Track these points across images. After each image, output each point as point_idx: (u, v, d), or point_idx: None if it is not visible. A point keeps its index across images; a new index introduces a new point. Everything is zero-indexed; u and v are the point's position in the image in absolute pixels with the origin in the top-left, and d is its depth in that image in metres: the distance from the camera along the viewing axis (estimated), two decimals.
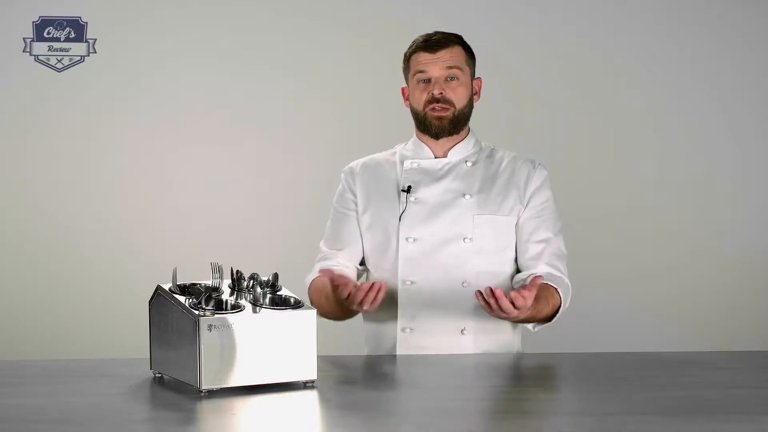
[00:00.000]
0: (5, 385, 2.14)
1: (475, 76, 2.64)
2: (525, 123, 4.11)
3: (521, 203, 2.58)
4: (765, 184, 4.20)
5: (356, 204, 2.65)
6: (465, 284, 2.52)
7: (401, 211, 2.57)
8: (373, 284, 2.33)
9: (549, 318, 2.53)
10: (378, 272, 2.61)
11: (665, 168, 4.18)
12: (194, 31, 4.12)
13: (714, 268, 4.18)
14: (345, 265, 2.62)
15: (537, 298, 2.38)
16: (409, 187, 2.58)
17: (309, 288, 2.64)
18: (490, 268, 2.55)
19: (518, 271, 2.60)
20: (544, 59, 4.15)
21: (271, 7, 4.14)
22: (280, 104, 4.14)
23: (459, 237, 2.54)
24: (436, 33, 2.60)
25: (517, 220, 2.58)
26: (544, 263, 2.56)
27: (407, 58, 2.62)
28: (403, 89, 2.67)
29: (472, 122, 2.66)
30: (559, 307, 2.52)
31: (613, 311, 4.10)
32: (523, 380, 2.31)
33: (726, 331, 4.10)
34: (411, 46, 2.62)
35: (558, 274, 2.56)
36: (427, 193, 2.58)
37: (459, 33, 2.64)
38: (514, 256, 2.59)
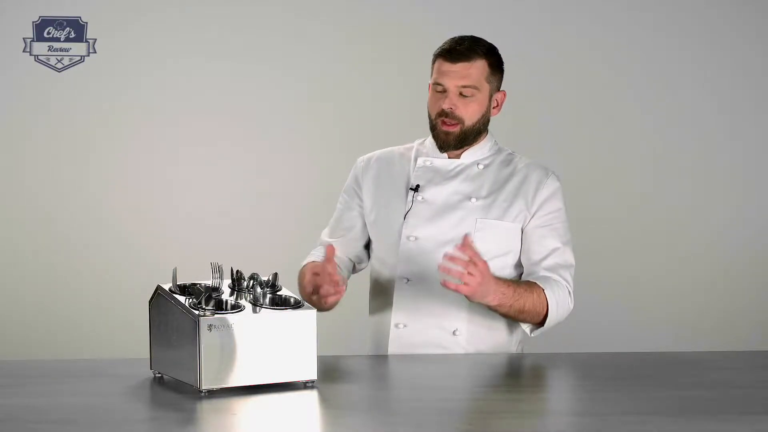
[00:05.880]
0: (5, 385, 2.14)
1: (500, 89, 2.59)
2: (524, 123, 4.10)
3: (528, 211, 2.55)
4: (765, 184, 4.20)
5: (360, 198, 2.64)
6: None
7: (407, 209, 2.57)
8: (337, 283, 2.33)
9: (541, 319, 2.50)
10: (380, 266, 2.62)
11: (665, 168, 4.18)
12: (194, 31, 4.12)
13: (714, 268, 4.17)
14: (337, 256, 2.60)
15: (515, 285, 2.42)
16: (418, 185, 2.57)
17: (301, 270, 2.59)
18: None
19: (520, 277, 2.58)
20: (543, 59, 4.14)
21: (271, 8, 4.14)
22: (281, 104, 4.14)
23: (459, 239, 2.51)
24: (464, 41, 2.53)
25: (523, 228, 2.55)
26: (544, 269, 2.53)
27: (434, 58, 2.56)
28: (430, 85, 2.61)
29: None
30: (548, 307, 2.48)
31: (613, 311, 4.10)
32: (523, 380, 2.31)
33: (726, 331, 4.10)
34: (439, 48, 2.56)
35: (555, 277, 2.52)
36: (434, 193, 2.57)
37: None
38: (514, 262, 2.57)
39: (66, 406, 1.95)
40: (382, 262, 2.62)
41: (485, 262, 2.32)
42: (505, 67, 2.63)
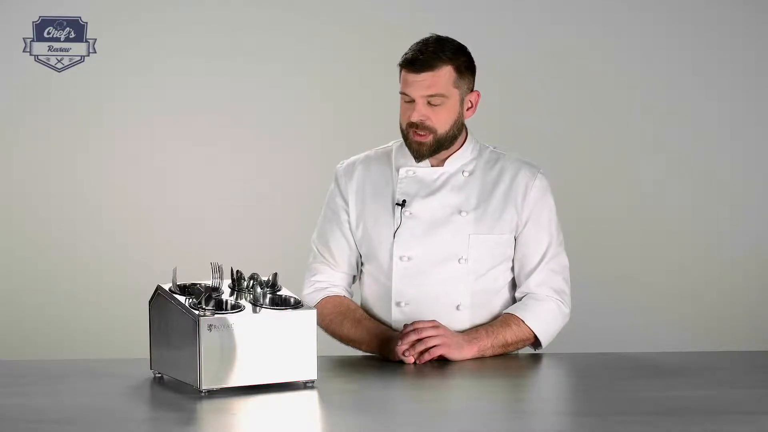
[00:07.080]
0: (5, 385, 2.15)
1: (473, 89, 2.51)
2: (524, 123, 4.10)
3: (519, 217, 2.51)
4: (765, 184, 4.19)
5: (347, 212, 2.58)
6: (459, 307, 2.49)
7: (396, 227, 2.51)
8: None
9: (534, 340, 2.49)
10: (373, 282, 2.56)
11: (665, 168, 4.17)
12: (194, 31, 4.12)
13: (714, 268, 4.17)
14: (341, 285, 2.58)
15: (486, 325, 2.45)
16: (404, 200, 2.51)
17: (323, 302, 2.54)
18: (485, 286, 2.50)
19: (514, 281, 2.56)
20: (543, 59, 4.14)
21: (271, 8, 4.13)
22: (280, 104, 4.14)
23: (454, 257, 2.48)
24: (427, 48, 2.44)
25: (516, 236, 2.52)
26: (533, 285, 2.51)
27: (399, 67, 2.49)
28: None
29: (471, 123, 2.62)
30: (534, 330, 2.47)
31: (613, 311, 4.10)
32: (523, 380, 2.31)
33: (726, 331, 4.10)
34: (403, 56, 2.48)
35: (541, 295, 2.50)
36: (422, 207, 2.50)
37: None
38: (508, 269, 2.54)
39: (66, 406, 1.95)
40: (374, 279, 2.56)
41: (432, 321, 2.38)
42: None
